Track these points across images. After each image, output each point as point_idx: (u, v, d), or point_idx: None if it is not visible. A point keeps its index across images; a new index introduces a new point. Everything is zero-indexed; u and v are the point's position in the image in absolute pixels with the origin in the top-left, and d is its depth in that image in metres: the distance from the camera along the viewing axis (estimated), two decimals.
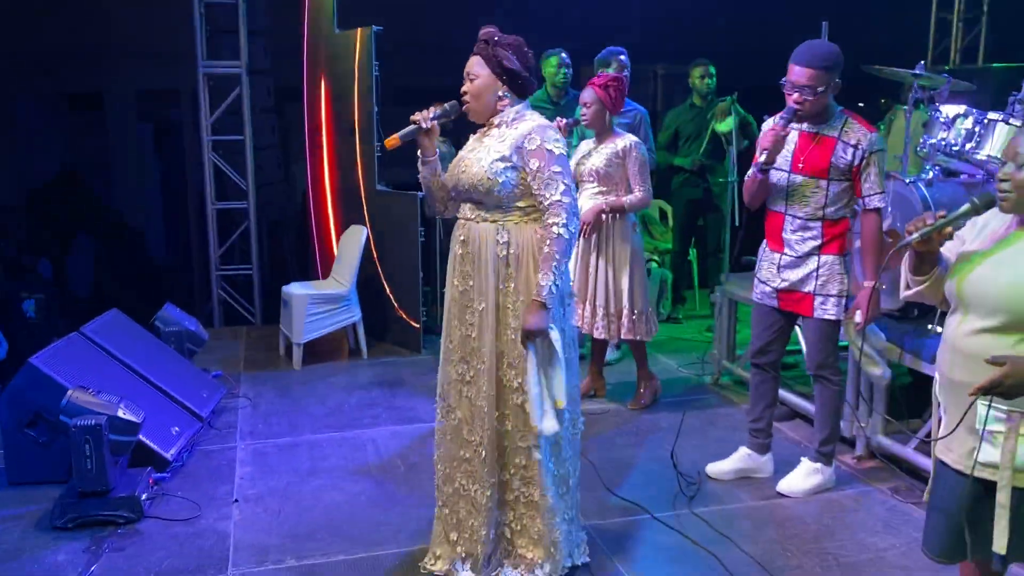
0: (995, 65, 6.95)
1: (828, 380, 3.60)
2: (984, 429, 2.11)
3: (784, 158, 3.42)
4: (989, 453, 2.11)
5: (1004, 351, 2.09)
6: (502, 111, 2.84)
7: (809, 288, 3.47)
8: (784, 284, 3.53)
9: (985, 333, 2.14)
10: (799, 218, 3.45)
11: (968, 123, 3.92)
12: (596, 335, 4.55)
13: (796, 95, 3.28)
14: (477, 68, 2.82)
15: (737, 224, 5.65)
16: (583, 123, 4.43)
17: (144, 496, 3.55)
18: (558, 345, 2.77)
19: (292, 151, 8.76)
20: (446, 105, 2.92)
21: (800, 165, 3.39)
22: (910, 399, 4.16)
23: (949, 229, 2.19)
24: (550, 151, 2.74)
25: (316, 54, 6.44)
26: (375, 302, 5.96)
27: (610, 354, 5.32)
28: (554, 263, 2.72)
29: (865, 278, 3.43)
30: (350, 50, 5.84)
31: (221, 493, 3.76)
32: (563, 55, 5.50)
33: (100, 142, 9.49)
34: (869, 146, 3.30)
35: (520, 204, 2.81)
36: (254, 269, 6.84)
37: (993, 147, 3.79)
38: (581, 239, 4.47)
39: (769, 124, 3.44)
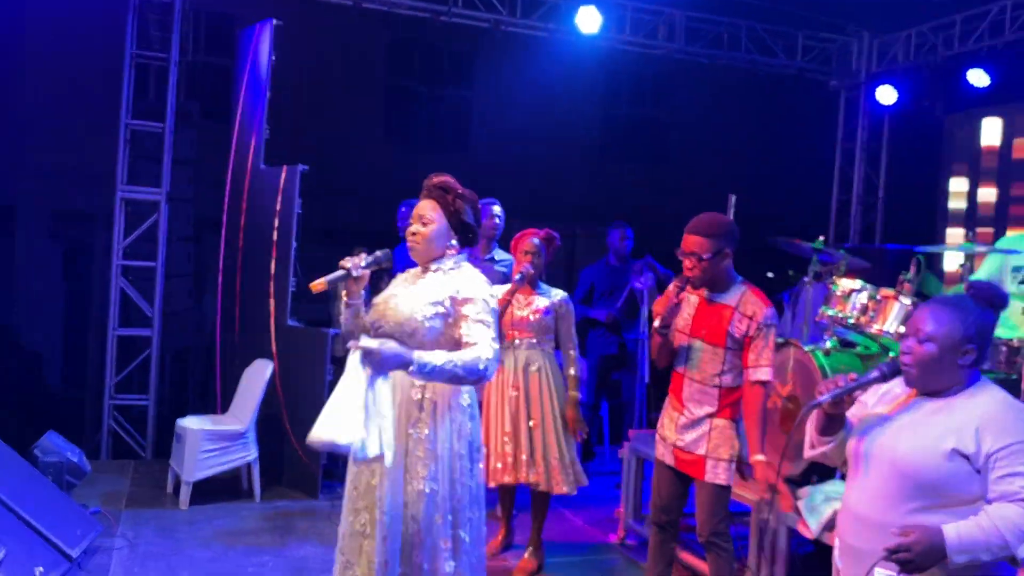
0: (888, 246, 7.41)
1: (720, 547, 3.50)
2: None
3: (685, 322, 3.47)
4: None
5: (900, 517, 2.11)
6: (442, 258, 2.84)
7: (702, 451, 3.43)
8: (681, 443, 3.49)
9: (882, 498, 2.16)
10: (696, 382, 3.45)
11: (863, 298, 4.12)
12: (508, 481, 4.36)
13: (686, 261, 3.37)
14: (432, 213, 2.82)
15: (648, 381, 5.71)
16: (530, 273, 4.37)
17: None
18: (361, 377, 2.50)
19: (207, 281, 8.63)
20: (378, 253, 2.86)
21: (702, 332, 3.43)
22: (811, 566, 4.13)
23: (857, 393, 2.28)
24: (485, 301, 2.75)
25: (239, 187, 6.46)
26: (274, 441, 5.73)
27: None
28: (452, 363, 2.57)
29: (751, 451, 3.37)
30: (274, 186, 5.88)
31: None
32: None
33: (7, 258, 9.20)
34: (763, 320, 3.33)
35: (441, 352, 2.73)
36: (150, 400, 6.54)
37: (886, 322, 3.97)
38: (508, 383, 4.36)
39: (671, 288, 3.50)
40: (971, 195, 8.13)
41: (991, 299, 2.25)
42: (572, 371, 4.38)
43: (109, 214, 6.65)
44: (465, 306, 2.72)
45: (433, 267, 2.84)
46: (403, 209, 5.72)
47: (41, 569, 3.82)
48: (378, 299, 2.88)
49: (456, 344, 2.72)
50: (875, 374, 2.27)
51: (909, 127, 8.69)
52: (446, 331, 2.74)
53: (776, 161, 10.09)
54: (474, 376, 2.62)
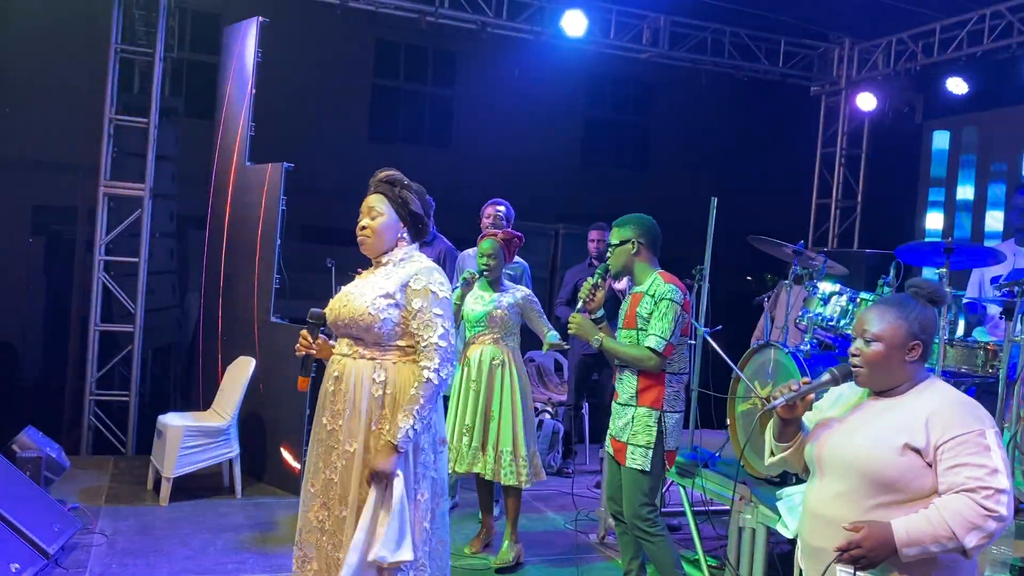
0: (867, 251, 7.50)
1: (643, 531, 3.59)
2: None
3: (621, 316, 3.70)
4: None
5: (860, 515, 2.14)
6: (392, 251, 2.85)
7: (625, 438, 3.58)
8: (614, 431, 3.66)
9: (841, 497, 2.20)
10: (620, 367, 3.66)
11: (843, 300, 4.17)
12: (458, 470, 4.44)
13: (608, 253, 3.72)
14: (380, 206, 2.83)
15: None
16: (487, 276, 4.52)
17: None
18: (397, 494, 2.65)
19: (190, 278, 8.60)
20: (314, 318, 2.92)
21: (626, 320, 3.64)
22: (788, 565, 4.18)
23: (811, 397, 2.31)
24: (434, 293, 2.74)
25: (223, 184, 6.45)
26: (255, 438, 5.72)
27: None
28: (417, 407, 2.66)
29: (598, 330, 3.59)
30: (259, 183, 5.87)
31: None
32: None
33: None
34: (659, 294, 3.51)
35: (400, 343, 2.76)
36: (132, 396, 6.52)
37: None
38: (471, 378, 4.45)
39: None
40: (949, 196, 8.22)
41: (931, 295, 2.30)
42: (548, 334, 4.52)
43: (92, 209, 6.62)
44: (415, 299, 2.72)
45: (384, 260, 2.85)
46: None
47: (17, 566, 3.80)
48: (334, 298, 2.91)
49: (412, 337, 2.74)
50: (826, 377, 2.31)
51: (888, 133, 8.80)
52: (402, 322, 2.75)
53: (757, 165, 10.18)
54: (436, 392, 2.70)
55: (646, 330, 3.50)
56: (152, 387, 7.83)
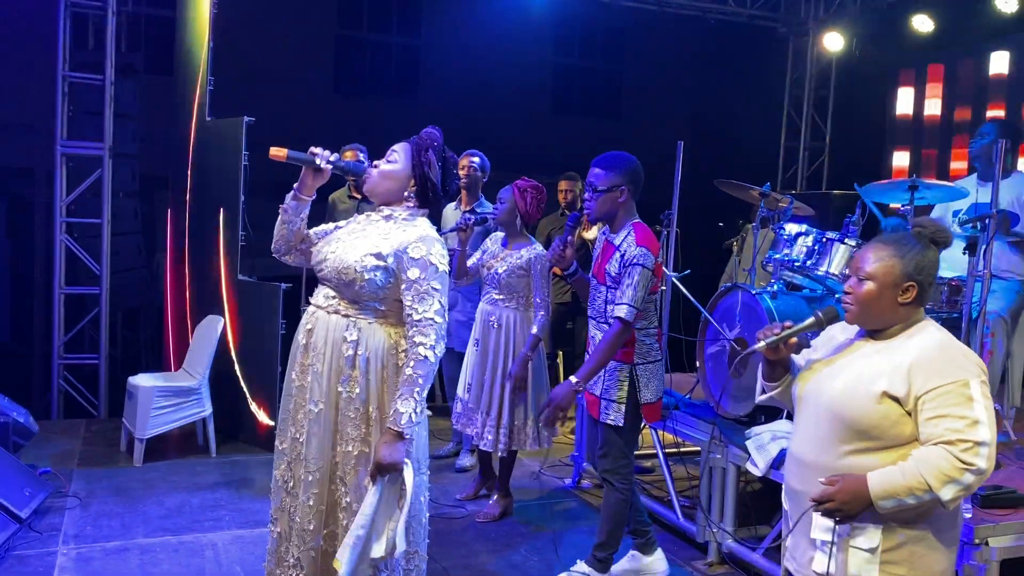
0: (835, 192, 7.52)
1: (612, 485, 3.57)
2: (822, 541, 2.12)
3: (594, 263, 3.58)
4: (823, 563, 2.12)
5: (835, 460, 2.11)
6: (397, 206, 2.70)
7: (598, 391, 3.51)
8: (587, 384, 3.53)
9: (818, 440, 2.16)
10: (592, 319, 3.57)
11: (809, 241, 4.17)
12: (482, 447, 4.43)
13: (585, 194, 3.51)
14: (401, 155, 2.70)
15: None
16: (492, 220, 4.40)
17: None
18: (409, 483, 2.52)
19: (157, 239, 8.46)
20: (353, 162, 2.77)
21: (596, 271, 3.54)
22: (759, 504, 4.25)
23: (795, 340, 2.28)
24: (434, 266, 2.57)
25: (185, 141, 6.32)
26: (228, 397, 5.69)
27: (466, 459, 5.28)
28: (416, 388, 2.50)
29: (575, 375, 3.38)
30: (221, 139, 5.76)
31: None
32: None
33: None
34: (629, 259, 3.35)
35: (379, 307, 2.62)
36: (101, 358, 6.45)
37: (831, 264, 4.05)
38: (475, 335, 4.41)
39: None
40: (916, 115, 8.15)
41: (934, 235, 2.22)
42: (533, 329, 4.31)
43: (50, 170, 6.47)
44: (413, 269, 2.56)
45: (386, 211, 2.70)
46: None
47: None
48: (326, 240, 2.74)
49: (398, 305, 2.60)
50: (811, 320, 2.27)
51: (856, 73, 8.77)
52: (388, 287, 2.60)
53: (727, 109, 10.14)
54: (432, 371, 2.55)
55: (615, 288, 3.36)
56: (122, 349, 7.76)
